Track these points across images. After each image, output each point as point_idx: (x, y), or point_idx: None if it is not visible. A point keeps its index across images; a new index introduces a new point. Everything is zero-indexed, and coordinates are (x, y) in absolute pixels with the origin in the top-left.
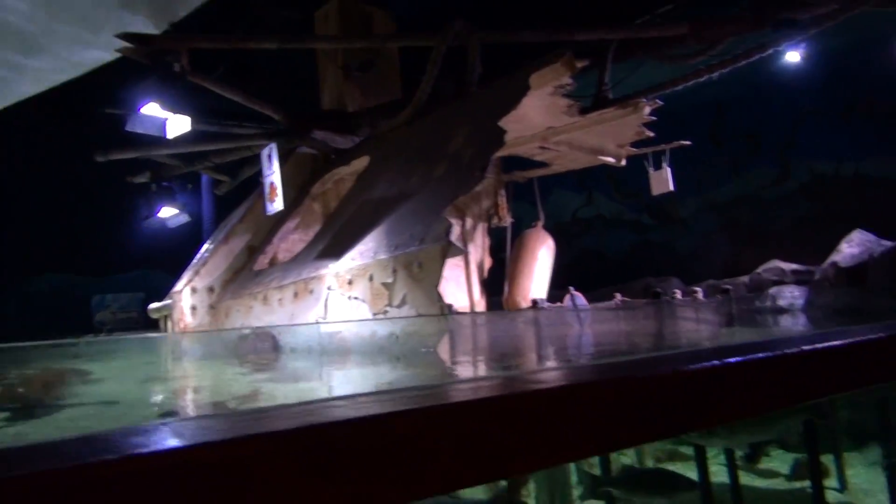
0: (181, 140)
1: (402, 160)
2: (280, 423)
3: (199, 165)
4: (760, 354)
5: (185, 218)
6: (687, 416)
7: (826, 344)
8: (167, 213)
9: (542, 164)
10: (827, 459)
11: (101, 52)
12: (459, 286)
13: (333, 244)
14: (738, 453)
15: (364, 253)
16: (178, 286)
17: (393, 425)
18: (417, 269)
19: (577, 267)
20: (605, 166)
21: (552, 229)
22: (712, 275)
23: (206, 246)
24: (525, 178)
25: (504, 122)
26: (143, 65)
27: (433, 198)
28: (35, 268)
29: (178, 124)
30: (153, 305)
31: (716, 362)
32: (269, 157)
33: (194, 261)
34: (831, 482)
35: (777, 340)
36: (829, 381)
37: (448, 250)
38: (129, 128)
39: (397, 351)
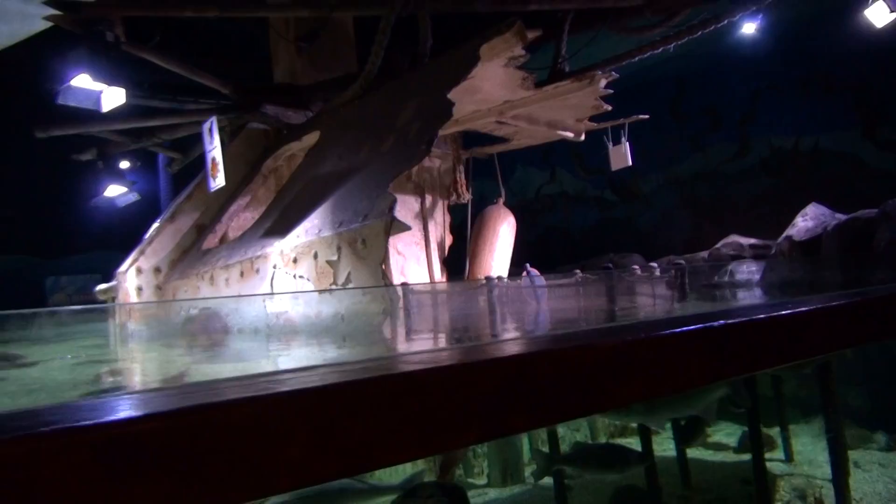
0: (121, 114)
1: (352, 135)
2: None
3: (146, 142)
4: (684, 328)
5: (133, 197)
6: (596, 395)
7: (750, 318)
8: (114, 191)
9: (503, 140)
10: (775, 433)
11: (31, 21)
12: (420, 264)
13: (280, 221)
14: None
15: (309, 230)
16: (124, 266)
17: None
18: (361, 245)
19: (542, 244)
20: (569, 143)
21: (516, 207)
22: (673, 250)
23: (154, 225)
24: (486, 155)
25: (459, 96)
26: (75, 34)
27: (379, 173)
28: None
29: (112, 97)
30: (99, 287)
31: (629, 338)
32: (210, 131)
33: (141, 241)
34: (777, 454)
35: (703, 315)
36: (756, 354)
37: (391, 226)
38: (60, 100)
39: (339, 328)
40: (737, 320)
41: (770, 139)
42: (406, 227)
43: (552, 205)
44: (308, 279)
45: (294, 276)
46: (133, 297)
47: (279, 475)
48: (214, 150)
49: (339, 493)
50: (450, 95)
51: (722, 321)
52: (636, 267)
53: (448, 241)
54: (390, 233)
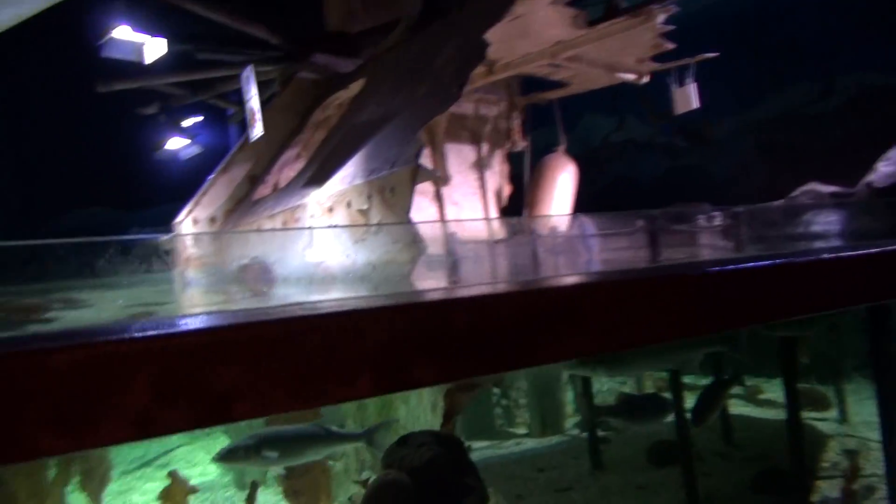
0: (177, 67)
1: (391, 81)
2: None
3: (204, 94)
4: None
5: (195, 149)
6: (522, 347)
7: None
8: (176, 144)
9: (562, 85)
10: (829, 391)
11: None
12: (477, 214)
13: (319, 171)
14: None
15: (344, 179)
16: (180, 217)
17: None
18: (390, 194)
19: (609, 195)
20: (637, 87)
21: (581, 156)
22: (748, 199)
23: (210, 177)
24: (544, 101)
25: (507, 38)
26: None
27: (412, 119)
28: (59, 205)
29: (154, 48)
30: (162, 238)
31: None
32: (248, 80)
33: (197, 191)
34: (831, 413)
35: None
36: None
37: (417, 173)
38: (104, 54)
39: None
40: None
41: (858, 77)
42: (433, 175)
43: (619, 153)
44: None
45: (329, 226)
46: (188, 247)
47: (115, 425)
48: (252, 99)
49: (300, 438)
50: (497, 37)
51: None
52: (700, 216)
53: (507, 190)
54: (416, 180)
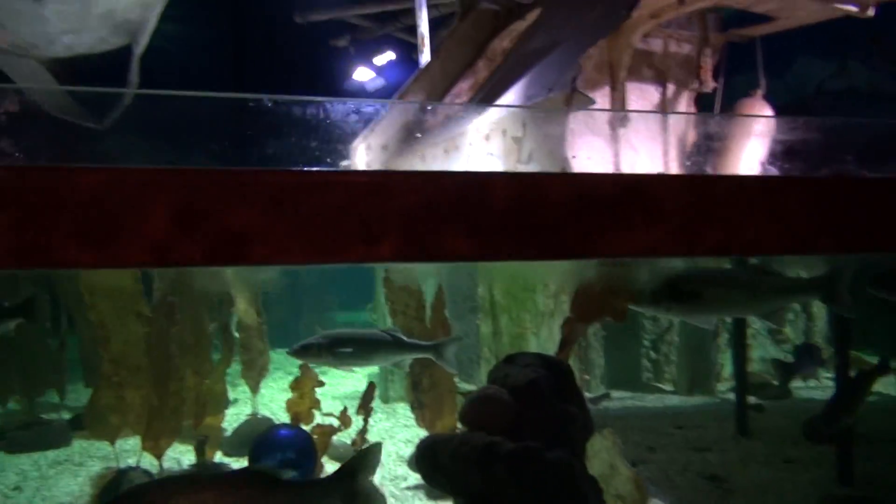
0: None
1: (565, 7)
2: None
3: (390, 27)
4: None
5: (381, 81)
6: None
7: None
8: (363, 75)
9: (766, 20)
10: None
11: None
12: (654, 160)
13: (483, 100)
14: None
15: (500, 104)
16: (355, 143)
17: None
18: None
19: None
20: (864, 23)
21: (789, 105)
22: None
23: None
24: (746, 38)
25: None
26: None
27: (577, 44)
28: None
29: None
30: (342, 163)
31: None
32: (420, 5)
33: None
34: None
35: None
36: None
37: (572, 98)
38: None
39: None
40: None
41: None
42: (590, 101)
43: (837, 104)
44: (498, 156)
45: (487, 154)
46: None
47: (135, 246)
48: (422, 25)
49: (370, 342)
50: None
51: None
52: None
53: (691, 137)
54: (572, 106)
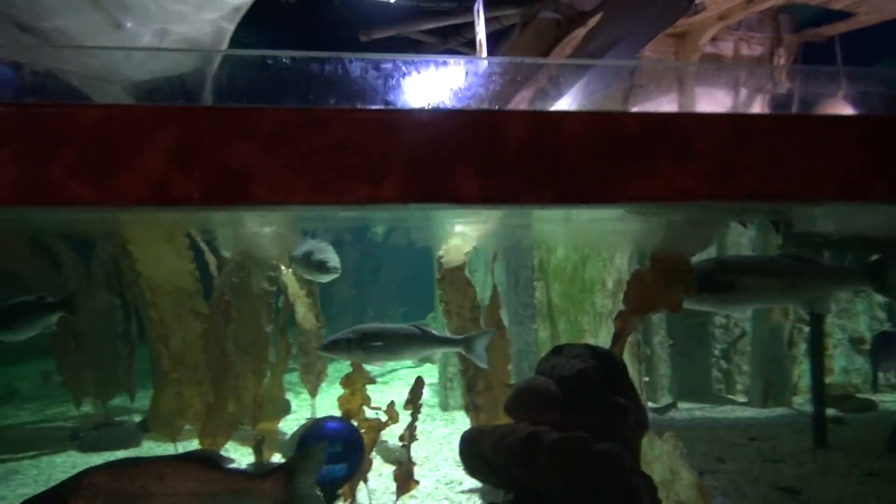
0: (425, 14)
1: (626, 8)
2: None
3: (453, 42)
4: None
5: None
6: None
7: None
8: None
9: (845, 16)
10: None
11: None
12: None
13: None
14: None
15: (559, 108)
16: None
17: None
18: None
19: None
20: None
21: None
22: None
23: None
24: (822, 38)
25: None
26: None
27: (637, 38)
28: None
29: None
30: None
31: None
32: (478, 13)
33: None
34: None
35: None
36: None
37: (629, 94)
38: None
39: None
40: None
41: None
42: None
43: None
44: None
45: None
46: None
47: (134, 181)
48: (480, 32)
49: (400, 337)
50: None
51: None
52: None
53: None
54: (628, 100)
